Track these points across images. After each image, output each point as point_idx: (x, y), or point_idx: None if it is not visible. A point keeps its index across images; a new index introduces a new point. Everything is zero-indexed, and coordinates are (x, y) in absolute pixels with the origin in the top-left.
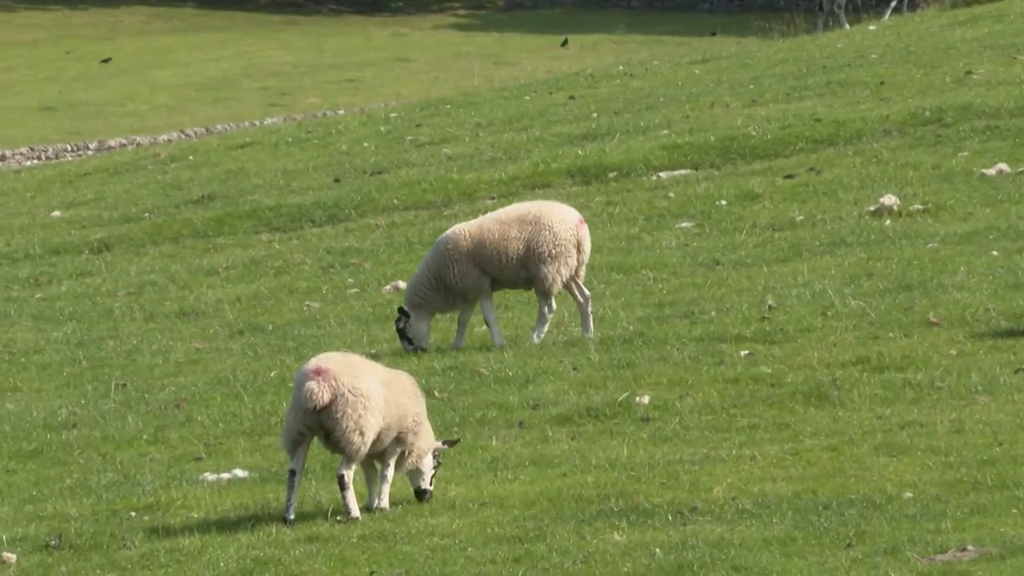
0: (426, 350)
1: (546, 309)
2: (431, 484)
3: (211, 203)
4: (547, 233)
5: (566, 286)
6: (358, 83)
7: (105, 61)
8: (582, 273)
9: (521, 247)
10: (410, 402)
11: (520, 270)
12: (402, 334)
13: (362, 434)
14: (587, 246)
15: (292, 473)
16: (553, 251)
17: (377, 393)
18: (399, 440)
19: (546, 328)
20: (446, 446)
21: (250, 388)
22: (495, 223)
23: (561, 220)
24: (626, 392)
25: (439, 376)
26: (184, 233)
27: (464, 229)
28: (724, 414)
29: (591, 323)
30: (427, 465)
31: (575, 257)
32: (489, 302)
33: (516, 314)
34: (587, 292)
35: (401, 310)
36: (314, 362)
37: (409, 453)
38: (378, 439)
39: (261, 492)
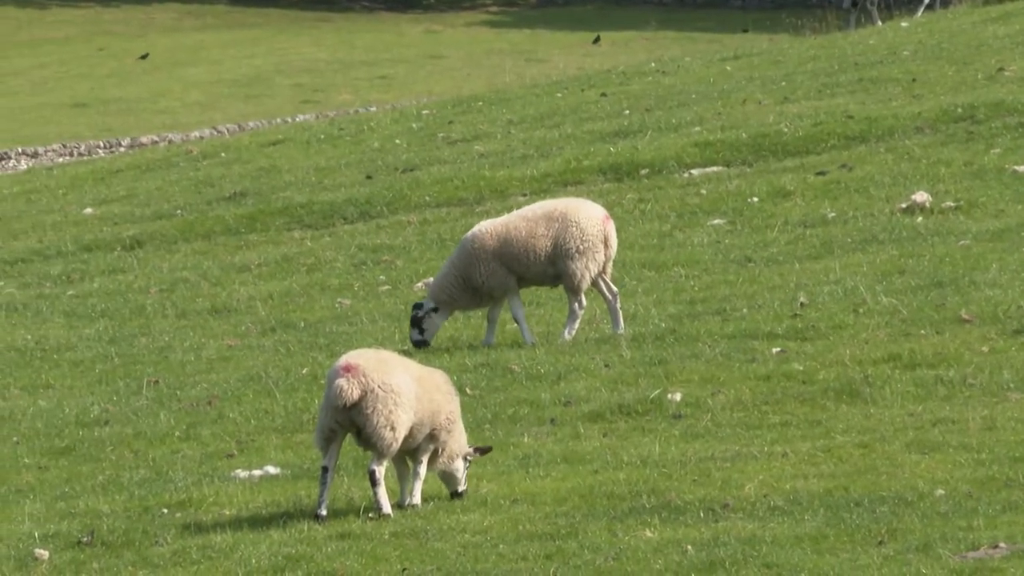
0: (429, 344)
1: (576, 306)
2: (465, 484)
3: (243, 200)
4: (574, 229)
5: (594, 283)
6: (390, 80)
7: (143, 57)
8: (609, 269)
9: (548, 244)
10: (444, 399)
11: (547, 267)
12: (416, 322)
13: (393, 430)
14: (614, 242)
15: (324, 470)
16: (580, 247)
17: (408, 389)
18: (432, 437)
19: (577, 325)
20: (478, 453)
21: (282, 385)
22: (522, 221)
23: (587, 216)
24: (658, 389)
25: (471, 373)
26: (216, 230)
27: (489, 228)
28: (756, 411)
29: (621, 319)
30: (460, 469)
31: (603, 252)
32: (517, 300)
33: (548, 311)
34: (615, 289)
35: (420, 305)
36: (344, 359)
37: (441, 452)
38: (410, 435)
39: (293, 489)
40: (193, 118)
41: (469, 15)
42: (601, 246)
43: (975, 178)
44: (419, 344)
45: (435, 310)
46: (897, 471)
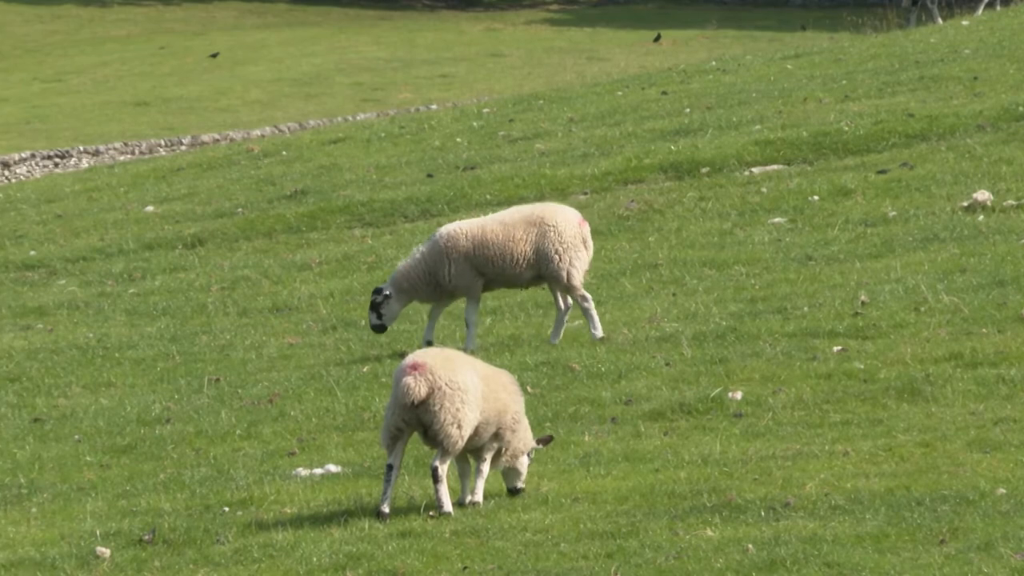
0: (387, 329)
1: (583, 302)
2: (524, 483)
3: (304, 198)
4: (552, 233)
5: (551, 291)
6: (451, 78)
7: (213, 56)
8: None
9: (528, 248)
10: (509, 398)
11: (524, 271)
12: (375, 307)
13: (460, 427)
14: (590, 245)
15: (390, 468)
16: (560, 248)
17: (475, 387)
18: (497, 436)
19: (596, 317)
20: (540, 445)
21: (343, 383)
22: (498, 224)
23: (565, 219)
24: (718, 388)
25: (532, 371)
26: (277, 228)
27: (465, 228)
28: (817, 410)
29: (562, 333)
30: (523, 465)
31: (584, 254)
32: (475, 305)
33: (607, 309)
34: (570, 303)
35: (379, 290)
36: (411, 357)
37: (505, 450)
38: (476, 434)
39: (354, 487)
40: (254, 116)
41: (530, 13)
42: (581, 246)
43: None
44: (377, 329)
45: (388, 297)
46: (958, 470)
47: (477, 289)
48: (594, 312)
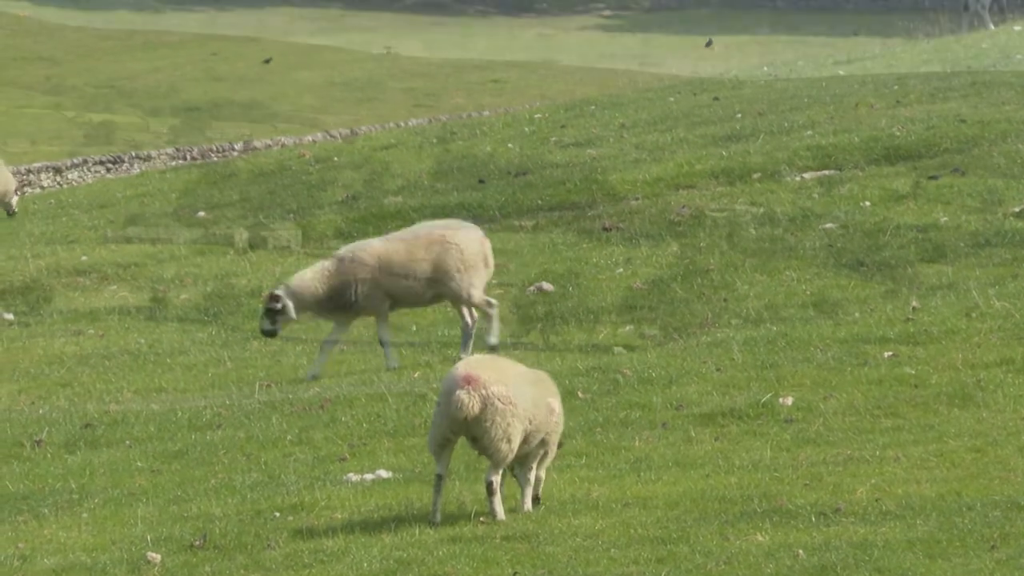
0: (276, 335)
1: (489, 308)
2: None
3: (355, 204)
4: (455, 251)
5: (454, 307)
6: (503, 84)
7: (266, 61)
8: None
9: (428, 267)
10: (555, 400)
11: (425, 290)
12: (272, 314)
13: (509, 442)
14: (491, 262)
15: (439, 478)
16: (460, 267)
17: (525, 398)
18: (543, 442)
19: (496, 325)
20: None
21: (394, 389)
22: (400, 243)
23: (466, 238)
24: (769, 393)
25: (583, 377)
26: (328, 234)
27: (369, 249)
28: (868, 415)
29: (470, 347)
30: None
31: (483, 272)
32: (386, 325)
33: (658, 315)
34: (476, 317)
35: (277, 297)
36: (464, 369)
37: (549, 452)
38: (525, 442)
39: (405, 493)
40: (306, 122)
41: (582, 19)
42: (482, 264)
43: None
44: (268, 334)
45: (286, 307)
46: (1010, 475)
47: (385, 309)
48: (496, 320)
